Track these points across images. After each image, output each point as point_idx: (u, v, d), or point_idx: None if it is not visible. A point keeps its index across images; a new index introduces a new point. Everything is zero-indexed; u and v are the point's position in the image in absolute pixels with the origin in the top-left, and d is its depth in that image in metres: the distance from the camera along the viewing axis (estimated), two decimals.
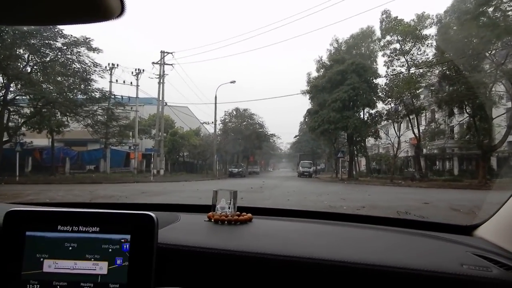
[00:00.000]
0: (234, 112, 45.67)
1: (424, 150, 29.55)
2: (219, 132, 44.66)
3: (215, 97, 36.96)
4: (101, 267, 0.94)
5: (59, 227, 0.97)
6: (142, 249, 0.94)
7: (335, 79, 31.03)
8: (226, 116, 45.80)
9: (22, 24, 1.19)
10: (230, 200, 1.47)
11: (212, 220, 1.43)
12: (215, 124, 37.63)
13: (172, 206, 1.84)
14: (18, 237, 0.96)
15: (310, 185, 25.03)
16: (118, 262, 0.94)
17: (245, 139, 45.53)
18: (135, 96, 33.89)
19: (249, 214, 1.48)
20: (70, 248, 0.95)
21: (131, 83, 33.48)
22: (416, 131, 28.24)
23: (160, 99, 34.43)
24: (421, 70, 27.61)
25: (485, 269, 1.02)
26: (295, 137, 70.91)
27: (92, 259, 0.95)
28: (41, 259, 0.95)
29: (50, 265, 0.94)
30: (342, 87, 30.21)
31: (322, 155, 57.57)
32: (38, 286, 0.93)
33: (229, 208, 1.47)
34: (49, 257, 0.95)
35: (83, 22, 0.77)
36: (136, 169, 33.14)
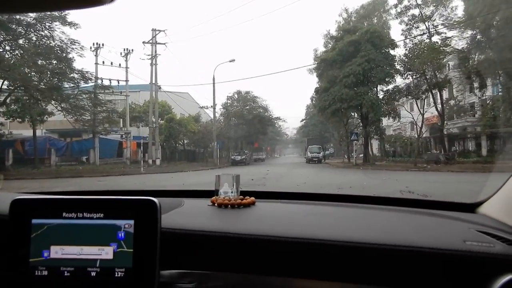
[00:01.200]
0: (236, 96, 42.30)
1: (444, 130, 26.25)
2: (220, 118, 41.46)
3: (213, 78, 33.81)
4: (107, 252, 0.97)
5: (64, 214, 1.00)
6: (146, 234, 0.97)
7: (347, 51, 27.27)
8: (228, 101, 42.49)
9: (14, 12, 0.90)
10: (233, 184, 1.49)
11: (216, 205, 1.45)
12: (214, 108, 34.48)
13: (175, 192, 1.85)
14: (24, 225, 0.99)
15: (323, 173, 21.90)
16: (123, 247, 0.97)
17: (248, 124, 42.29)
18: (125, 80, 30.74)
19: (252, 198, 1.50)
20: (76, 234, 0.98)
21: (119, 64, 30.26)
22: (439, 107, 24.94)
23: (153, 82, 31.28)
24: (446, 36, 24.07)
25: (488, 244, 1.03)
26: (301, 121, 67.64)
27: (98, 245, 0.98)
28: (48, 246, 0.98)
29: (56, 251, 0.98)
30: (355, 59, 26.51)
31: (330, 139, 54.10)
32: (46, 272, 0.97)
33: (232, 192, 1.49)
34: (55, 243, 0.98)
35: (77, 7, 0.76)
36: (129, 159, 30.27)
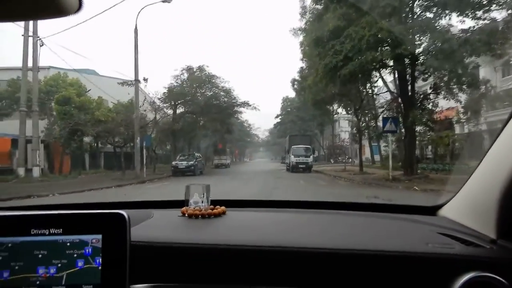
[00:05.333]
0: (185, 74, 28.67)
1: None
2: (159, 103, 27.65)
3: (135, 29, 20.07)
4: (73, 269, 0.93)
5: (31, 230, 0.95)
6: (114, 249, 0.94)
7: None
8: (173, 82, 28.59)
9: None
10: (203, 194, 1.47)
11: (186, 215, 1.43)
12: (136, 86, 20.49)
13: (145, 203, 1.83)
14: None
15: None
16: (91, 262, 0.94)
17: (203, 114, 28.86)
18: None
19: (223, 207, 1.49)
20: (37, 252, 0.94)
21: None
22: None
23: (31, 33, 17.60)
24: None
25: (448, 246, 1.07)
26: (276, 116, 55.02)
27: (62, 261, 0.94)
28: (7, 265, 0.93)
29: (17, 271, 0.93)
30: None
31: (313, 139, 41.41)
32: None
33: (202, 202, 1.46)
34: (14, 262, 0.93)
35: (41, 18, 0.77)
36: None
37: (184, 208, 1.46)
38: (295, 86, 34.40)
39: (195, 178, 21.89)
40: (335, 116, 44.15)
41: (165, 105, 28.16)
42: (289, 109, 52.21)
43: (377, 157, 34.20)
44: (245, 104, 29.56)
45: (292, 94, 63.30)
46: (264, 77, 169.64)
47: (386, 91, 20.76)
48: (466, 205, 1.31)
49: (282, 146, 54.97)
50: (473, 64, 13.02)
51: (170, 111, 29.18)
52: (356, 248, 1.05)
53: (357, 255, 1.03)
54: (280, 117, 54.26)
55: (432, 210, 1.53)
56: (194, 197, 1.47)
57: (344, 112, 44.14)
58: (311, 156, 27.38)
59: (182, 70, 28.89)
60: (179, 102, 28.71)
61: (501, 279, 0.93)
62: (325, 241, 1.11)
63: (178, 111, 29.49)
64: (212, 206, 1.49)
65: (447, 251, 1.03)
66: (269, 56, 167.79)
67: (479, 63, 12.93)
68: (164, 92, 27.69)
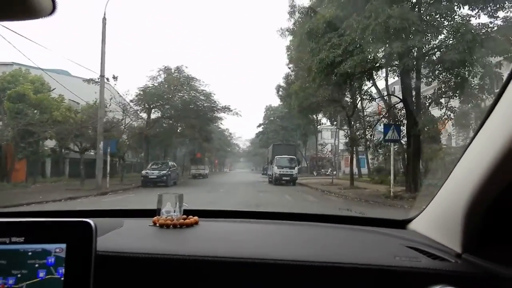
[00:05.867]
0: (162, 75, 26.21)
1: None
2: (133, 105, 25.07)
3: (103, 18, 17.63)
4: (33, 280, 0.88)
5: None
6: (79, 259, 0.91)
7: None
8: (149, 84, 25.96)
9: None
10: (176, 204, 1.45)
11: (157, 225, 1.40)
12: (102, 82, 17.77)
13: (115, 212, 1.76)
14: None
15: None
16: (53, 273, 0.89)
17: (180, 119, 26.45)
18: None
19: (196, 217, 1.47)
20: None
21: None
22: None
23: None
24: None
25: (414, 259, 1.08)
26: (258, 126, 53.03)
27: (22, 272, 0.88)
28: None
29: None
30: None
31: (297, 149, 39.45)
32: None
33: (174, 212, 1.44)
34: None
35: (14, 19, 0.77)
36: None
37: (156, 217, 1.44)
38: (280, 92, 32.50)
39: (168, 189, 19.42)
40: (318, 126, 42.70)
41: (138, 107, 25.58)
42: (272, 118, 50.33)
43: (363, 170, 32.70)
44: (226, 109, 27.24)
45: (275, 103, 61.91)
46: (247, 83, 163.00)
47: (379, 97, 18.92)
48: (434, 219, 1.32)
49: (263, 156, 52.99)
50: (495, 63, 11.20)
51: (144, 115, 26.65)
52: (325, 260, 1.05)
53: (325, 267, 1.04)
54: (262, 126, 52.29)
55: (403, 224, 1.55)
56: (166, 206, 1.46)
57: (328, 123, 43.02)
58: (296, 168, 25.29)
59: (159, 71, 26.42)
60: (154, 105, 26.20)
61: None
62: (295, 253, 1.12)
63: (153, 115, 26.98)
64: (184, 216, 1.46)
65: (414, 264, 1.05)
66: (253, 61, 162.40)
67: (501, 62, 11.09)
68: (138, 94, 25.13)
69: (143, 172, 21.28)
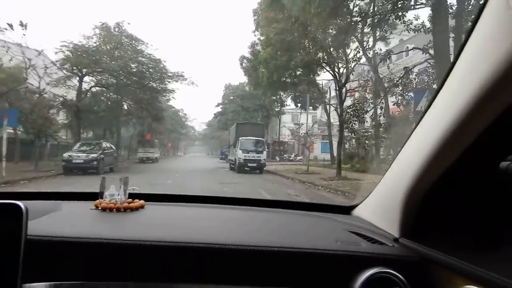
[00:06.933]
0: (99, 33, 20.54)
1: None
2: (56, 65, 19.35)
3: None
4: None
5: None
6: (7, 244, 0.87)
7: None
8: (83, 42, 20.23)
9: None
10: (121, 187, 1.37)
11: (99, 208, 1.33)
12: None
13: (53, 194, 1.62)
14: None
15: None
16: None
17: (121, 88, 21.20)
18: None
19: (142, 201, 1.41)
20: None
21: None
22: None
23: None
24: None
25: (355, 244, 1.12)
26: (217, 105, 48.29)
27: None
28: None
29: None
30: None
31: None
32: None
33: (119, 195, 1.36)
34: None
35: None
36: None
37: (98, 200, 1.36)
38: (244, 64, 28.00)
39: (98, 177, 14.64)
40: (282, 108, 39.04)
41: (65, 72, 19.93)
42: (232, 98, 45.76)
43: (324, 156, 29.47)
44: (179, 76, 22.21)
45: (235, 81, 57.38)
46: (203, 57, 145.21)
47: (399, 52, 15.05)
48: (377, 205, 1.35)
49: (221, 140, 48.61)
50: None
51: (74, 82, 21.08)
52: (270, 245, 1.06)
53: (270, 252, 1.04)
54: (221, 106, 47.59)
55: (348, 210, 1.59)
56: (110, 189, 1.37)
57: (292, 105, 39.33)
58: (264, 152, 21.15)
59: (94, 29, 20.90)
60: (88, 71, 20.69)
61: (399, 275, 0.98)
62: (241, 238, 1.11)
63: (86, 85, 21.49)
64: (130, 200, 1.39)
65: (353, 248, 1.08)
66: (211, 33, 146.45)
67: None
68: (63, 53, 19.44)
69: (65, 155, 16.03)
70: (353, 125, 13.49)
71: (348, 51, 16.20)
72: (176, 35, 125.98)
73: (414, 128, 1.05)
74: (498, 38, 0.68)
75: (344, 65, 15.13)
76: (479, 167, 0.96)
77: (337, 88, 14.59)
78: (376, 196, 1.38)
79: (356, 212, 1.54)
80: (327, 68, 17.24)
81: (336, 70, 15.75)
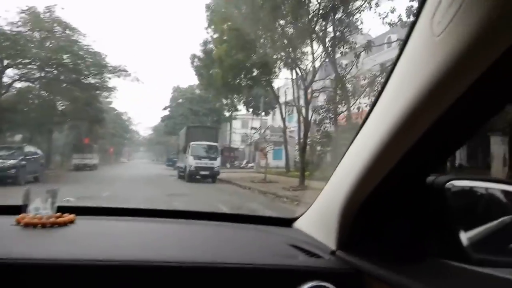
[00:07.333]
0: (26, 17, 17.42)
1: None
2: None
3: None
4: None
5: None
6: None
7: None
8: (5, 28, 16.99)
9: None
10: (48, 199, 1.26)
11: (21, 224, 1.20)
12: None
13: None
14: None
15: None
16: None
17: (51, 83, 18.25)
18: None
19: (72, 215, 1.28)
20: None
21: None
22: None
23: None
24: None
25: (293, 257, 1.11)
26: (164, 108, 45.57)
27: None
28: None
29: None
30: None
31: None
32: None
33: (45, 209, 1.24)
34: None
35: None
36: None
37: (20, 215, 1.23)
38: (195, 63, 25.92)
39: (19, 188, 11.98)
40: (234, 113, 37.59)
41: None
42: (180, 101, 43.41)
43: (277, 163, 28.42)
44: (121, 71, 19.61)
45: (184, 84, 54.81)
46: (151, 55, 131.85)
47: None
48: (317, 217, 1.34)
49: (168, 145, 46.08)
50: None
51: None
52: (208, 261, 1.04)
53: (208, 268, 1.02)
54: (169, 109, 44.93)
55: (289, 222, 1.55)
56: (35, 202, 1.25)
57: (243, 111, 38.04)
58: (218, 159, 19.32)
59: (20, 13, 17.77)
60: (8, 63, 17.57)
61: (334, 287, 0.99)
62: (178, 254, 1.09)
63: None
64: (58, 214, 1.25)
65: (290, 262, 1.08)
66: (159, 26, 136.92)
67: None
68: None
69: None
70: (326, 127, 12.22)
71: (311, 49, 15.02)
72: (120, 28, 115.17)
73: (353, 139, 1.05)
74: (423, 60, 0.72)
75: (309, 64, 13.86)
76: (409, 181, 0.98)
77: (303, 88, 13.24)
78: (316, 208, 1.37)
79: (298, 224, 1.50)
80: (289, 67, 15.96)
81: (300, 69, 14.45)
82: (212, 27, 22.82)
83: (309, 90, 13.50)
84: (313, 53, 13.97)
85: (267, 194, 12.34)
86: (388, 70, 0.86)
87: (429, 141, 0.81)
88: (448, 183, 1.00)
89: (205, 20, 23.34)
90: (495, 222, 1.05)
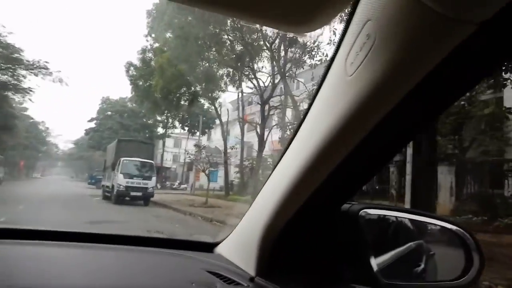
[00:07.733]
0: None
1: None
2: None
3: None
4: None
5: None
6: None
7: None
8: None
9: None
10: None
11: None
12: None
13: None
14: None
15: None
16: None
17: None
18: None
19: None
20: None
21: None
22: None
23: None
24: None
25: (210, 285, 1.06)
26: (90, 120, 41.35)
27: None
28: None
29: None
30: None
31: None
32: None
33: None
34: None
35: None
36: None
37: None
38: (130, 72, 23.39)
39: None
40: (169, 131, 35.29)
41: None
42: (109, 113, 39.77)
43: (213, 185, 26.89)
44: (40, 68, 16.45)
45: (115, 95, 50.78)
46: (79, 60, 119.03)
47: None
48: (238, 242, 1.32)
49: (90, 160, 41.80)
50: None
51: None
52: None
53: None
54: (95, 121, 40.86)
55: (211, 247, 1.48)
56: None
57: (177, 130, 35.94)
58: (153, 178, 16.96)
59: None
60: None
61: None
62: (81, 282, 1.02)
63: None
64: None
65: None
66: (89, 28, 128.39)
67: None
68: None
69: None
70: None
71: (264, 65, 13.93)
72: (44, 24, 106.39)
73: (274, 168, 1.06)
74: (337, 98, 0.75)
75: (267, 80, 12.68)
76: (326, 209, 1.00)
77: (260, 103, 11.94)
78: (237, 233, 1.33)
79: (219, 249, 1.44)
80: (235, 84, 14.66)
81: (254, 85, 13.22)
82: (153, 35, 20.88)
83: (266, 107, 12.30)
84: (273, 71, 12.84)
85: (213, 222, 10.55)
86: (307, 105, 0.89)
87: (343, 172, 0.85)
88: (362, 211, 1.01)
89: (145, 27, 21.40)
90: (402, 248, 1.14)
